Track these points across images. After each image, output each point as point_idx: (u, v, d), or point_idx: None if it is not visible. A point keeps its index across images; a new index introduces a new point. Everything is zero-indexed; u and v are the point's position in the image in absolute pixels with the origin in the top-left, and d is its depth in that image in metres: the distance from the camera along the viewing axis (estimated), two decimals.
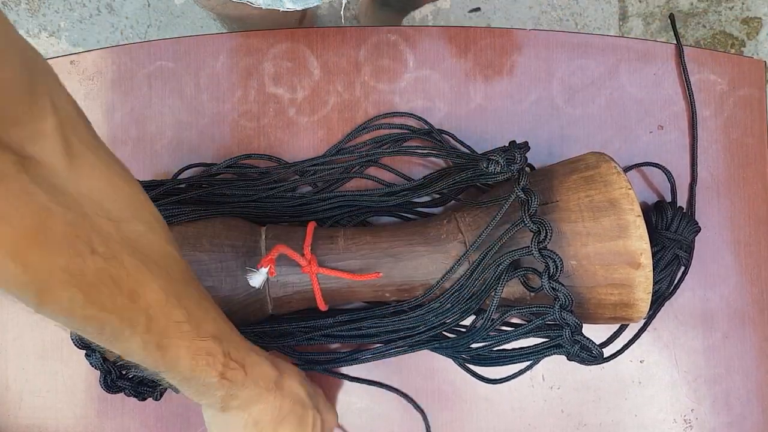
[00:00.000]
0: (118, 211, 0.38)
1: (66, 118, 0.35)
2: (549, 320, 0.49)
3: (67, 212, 0.33)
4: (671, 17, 0.67)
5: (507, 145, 0.55)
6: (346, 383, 0.60)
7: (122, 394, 0.50)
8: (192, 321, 0.39)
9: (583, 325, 0.56)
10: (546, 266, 0.47)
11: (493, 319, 0.51)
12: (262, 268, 0.50)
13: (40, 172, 0.33)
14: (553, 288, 0.46)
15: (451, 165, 0.60)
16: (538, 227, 0.47)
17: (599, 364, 0.57)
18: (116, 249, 0.35)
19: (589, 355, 0.49)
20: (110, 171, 0.39)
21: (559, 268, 0.46)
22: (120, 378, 0.48)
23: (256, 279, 0.50)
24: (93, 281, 0.33)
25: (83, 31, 1.31)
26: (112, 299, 0.34)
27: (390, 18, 1.08)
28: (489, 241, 0.50)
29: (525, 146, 0.53)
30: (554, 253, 0.46)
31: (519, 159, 0.49)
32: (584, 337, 0.48)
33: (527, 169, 0.59)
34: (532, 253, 0.47)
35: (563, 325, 0.48)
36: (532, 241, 0.47)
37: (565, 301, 0.47)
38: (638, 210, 0.47)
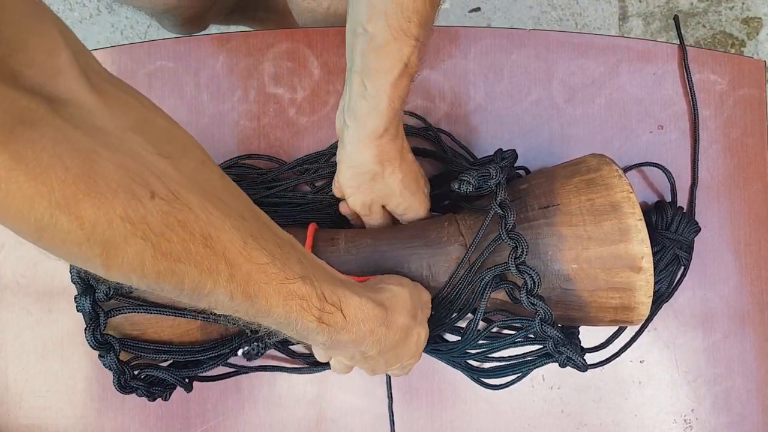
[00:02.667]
0: (167, 147, 0.33)
1: (78, 51, 0.31)
2: (532, 333, 0.50)
3: (114, 154, 0.29)
4: (675, 19, 0.67)
5: (493, 154, 0.54)
6: (346, 384, 0.60)
7: (122, 394, 0.50)
8: (276, 262, 0.35)
9: (582, 326, 0.57)
10: (524, 282, 0.47)
11: (479, 328, 0.52)
12: None
13: (73, 112, 0.29)
14: (531, 303, 0.47)
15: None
16: (515, 243, 0.47)
17: (596, 367, 0.58)
18: (177, 189, 0.31)
19: (575, 365, 0.50)
20: (141, 105, 0.35)
21: (537, 283, 0.47)
22: (133, 378, 0.48)
23: None
24: (159, 229, 0.30)
25: (83, 31, 1.31)
26: (185, 247, 0.31)
27: None
28: (484, 246, 0.50)
29: (511, 156, 0.53)
30: (531, 269, 0.47)
31: (495, 174, 0.49)
32: (568, 348, 0.49)
33: (522, 171, 0.59)
34: (509, 269, 0.47)
35: (545, 338, 0.49)
36: (509, 256, 0.48)
37: (545, 316, 0.47)
38: (639, 213, 0.47)
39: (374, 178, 0.52)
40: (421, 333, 0.49)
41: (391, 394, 0.59)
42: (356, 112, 0.49)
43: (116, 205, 0.28)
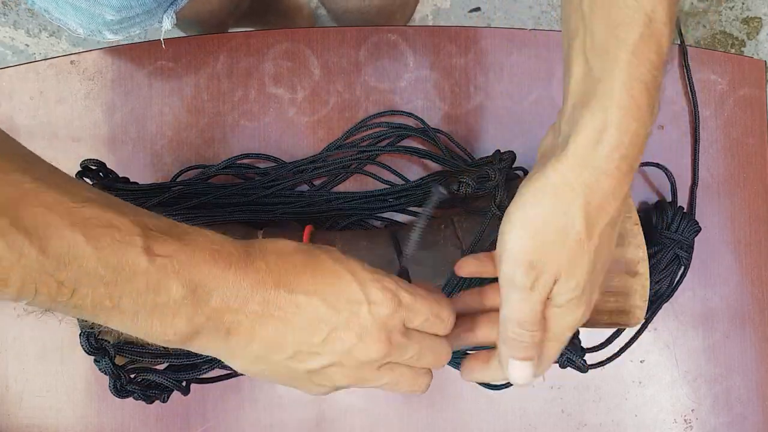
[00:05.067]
0: None
1: None
2: None
3: None
4: (677, 19, 0.67)
5: (492, 154, 0.54)
6: None
7: (118, 398, 0.50)
8: (50, 186, 0.27)
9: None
10: None
11: None
12: None
13: None
14: None
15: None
16: None
17: (596, 368, 0.58)
18: None
19: (575, 366, 0.50)
20: None
21: None
22: (129, 382, 0.48)
23: None
24: None
25: None
26: None
27: None
28: (482, 249, 0.50)
29: (510, 158, 0.53)
30: None
31: (494, 176, 0.49)
32: (568, 349, 0.49)
33: (521, 172, 0.59)
34: None
35: None
36: None
37: None
38: (636, 218, 0.47)
39: (572, 244, 0.34)
40: (317, 305, 0.33)
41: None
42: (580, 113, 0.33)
43: None
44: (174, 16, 0.61)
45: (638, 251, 0.47)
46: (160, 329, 0.29)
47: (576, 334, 0.55)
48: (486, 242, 0.49)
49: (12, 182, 0.26)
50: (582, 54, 0.34)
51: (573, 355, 0.49)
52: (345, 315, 0.33)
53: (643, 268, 0.47)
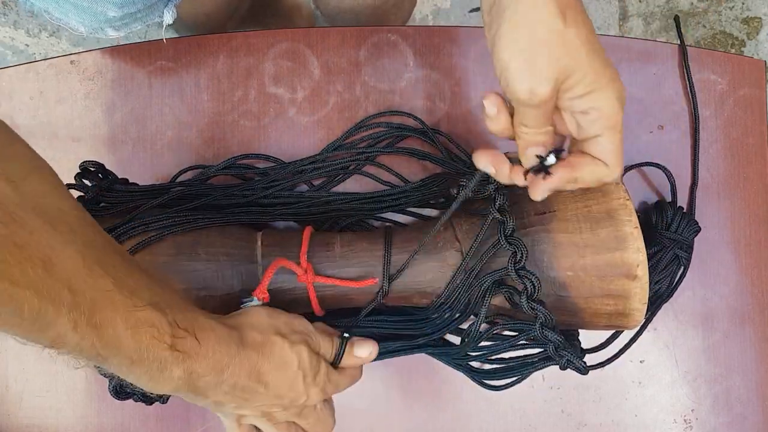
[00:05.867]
0: (12, 169, 0.33)
1: None
2: (532, 337, 0.50)
3: None
4: (676, 19, 0.67)
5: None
6: None
7: (118, 401, 0.50)
8: (123, 289, 0.34)
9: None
10: (524, 287, 0.47)
11: (479, 332, 0.51)
12: (255, 299, 0.49)
13: None
14: (532, 308, 0.47)
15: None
16: (514, 248, 0.47)
17: (596, 368, 0.58)
18: (16, 211, 0.31)
19: (576, 369, 0.50)
20: None
21: (537, 288, 0.47)
22: (129, 384, 0.48)
23: (250, 305, 0.49)
24: None
25: None
26: (23, 270, 0.29)
27: None
28: (482, 251, 0.50)
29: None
30: (531, 273, 0.47)
31: (493, 179, 0.49)
32: (568, 352, 0.49)
33: None
34: (510, 275, 0.47)
35: (545, 342, 0.49)
36: (509, 261, 0.47)
37: (546, 320, 0.47)
38: (636, 221, 0.47)
39: (555, 41, 0.37)
40: (302, 352, 0.46)
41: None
42: None
43: None
44: (175, 11, 0.60)
45: (638, 255, 0.47)
46: (151, 387, 0.38)
47: (575, 335, 0.55)
48: (486, 244, 0.49)
49: (96, 287, 0.33)
50: None
51: (573, 357, 0.49)
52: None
53: (642, 271, 0.47)
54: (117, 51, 0.62)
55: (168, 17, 0.60)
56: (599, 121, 0.40)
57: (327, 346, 0.49)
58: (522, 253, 0.47)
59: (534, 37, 0.37)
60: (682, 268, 0.59)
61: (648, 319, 0.60)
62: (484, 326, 0.53)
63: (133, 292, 0.35)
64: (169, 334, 0.37)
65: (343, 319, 0.55)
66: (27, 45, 1.30)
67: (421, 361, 0.60)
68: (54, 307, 0.31)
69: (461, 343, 0.54)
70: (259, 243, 0.53)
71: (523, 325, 0.50)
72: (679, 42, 0.63)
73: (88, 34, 0.59)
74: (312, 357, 0.46)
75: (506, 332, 0.56)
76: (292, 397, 0.45)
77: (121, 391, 0.48)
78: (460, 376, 0.59)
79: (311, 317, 0.51)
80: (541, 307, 0.47)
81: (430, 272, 0.51)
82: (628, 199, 0.48)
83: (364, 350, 0.51)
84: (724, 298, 0.62)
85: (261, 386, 0.43)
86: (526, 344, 0.53)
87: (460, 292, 0.50)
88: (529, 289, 0.47)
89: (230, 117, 0.62)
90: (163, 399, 0.51)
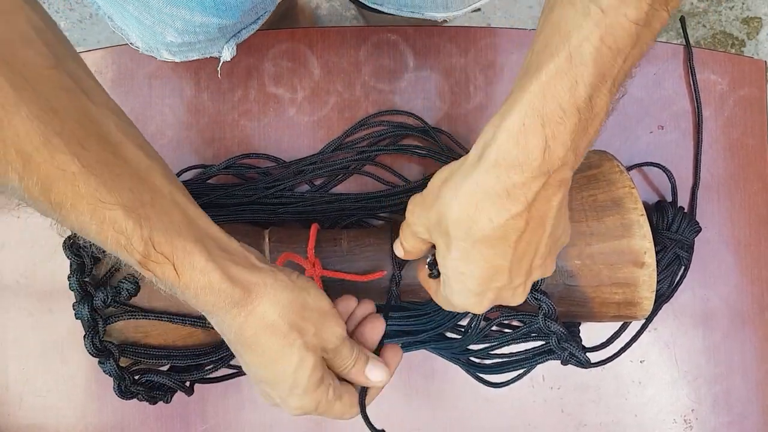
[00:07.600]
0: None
1: None
2: (535, 328, 0.50)
3: None
4: (682, 19, 0.67)
5: None
6: None
7: (123, 400, 0.50)
8: (90, 178, 0.31)
9: (583, 323, 0.56)
10: None
11: (480, 326, 0.51)
12: None
13: None
14: (535, 298, 0.47)
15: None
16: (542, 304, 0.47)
17: (597, 366, 0.58)
18: None
19: (578, 361, 0.50)
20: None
21: (541, 280, 0.47)
22: (133, 384, 0.48)
23: None
24: None
25: (83, 31, 1.31)
26: None
27: None
28: None
29: None
30: None
31: None
32: (571, 344, 0.49)
33: None
34: None
35: (549, 333, 0.49)
36: (539, 312, 0.48)
37: (549, 311, 0.47)
38: (642, 209, 0.48)
39: (532, 189, 0.34)
40: (307, 359, 0.39)
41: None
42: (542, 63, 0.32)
43: None
44: (235, 48, 0.59)
45: (645, 241, 0.47)
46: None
47: (577, 331, 0.55)
48: None
49: (54, 163, 0.30)
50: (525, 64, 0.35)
51: (575, 350, 0.49)
52: None
53: (650, 258, 0.47)
54: (117, 51, 0.62)
55: (227, 54, 0.58)
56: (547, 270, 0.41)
57: (346, 363, 0.43)
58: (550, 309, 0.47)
59: (519, 176, 0.34)
60: (683, 268, 0.59)
61: (648, 319, 0.60)
62: (483, 322, 0.53)
63: (106, 186, 0.31)
64: (140, 252, 0.33)
65: None
66: None
67: (421, 360, 0.60)
68: (2, 166, 0.29)
69: (464, 335, 0.54)
70: (267, 239, 0.53)
71: (526, 316, 0.50)
72: (679, 42, 0.63)
73: (144, 50, 0.58)
74: (315, 372, 0.40)
75: (508, 326, 0.56)
76: (271, 391, 0.42)
77: (125, 390, 0.48)
78: (460, 376, 0.59)
79: None
80: (544, 298, 0.47)
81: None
82: (633, 188, 0.48)
83: (376, 373, 0.44)
84: (723, 298, 0.62)
85: (241, 359, 0.40)
86: (528, 338, 0.52)
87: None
88: None
89: (230, 117, 0.62)
90: (167, 398, 0.51)
